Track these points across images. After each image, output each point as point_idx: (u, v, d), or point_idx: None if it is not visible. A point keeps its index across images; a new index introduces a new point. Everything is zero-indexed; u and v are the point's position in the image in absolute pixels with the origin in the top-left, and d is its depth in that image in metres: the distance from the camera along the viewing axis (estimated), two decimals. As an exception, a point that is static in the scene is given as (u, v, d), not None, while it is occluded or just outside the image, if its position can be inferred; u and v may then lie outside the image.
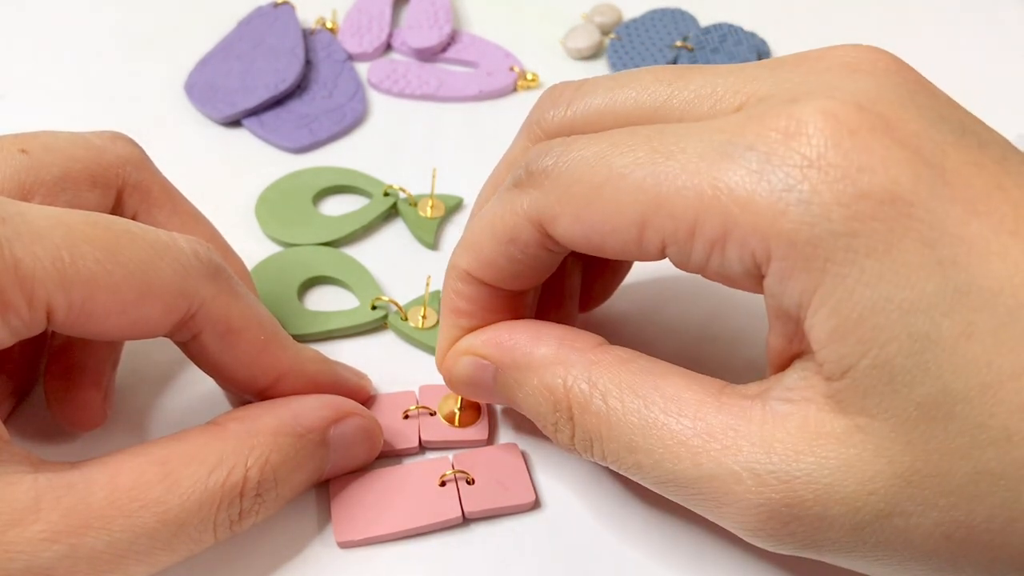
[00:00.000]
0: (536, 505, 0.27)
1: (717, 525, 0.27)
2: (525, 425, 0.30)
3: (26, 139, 0.24)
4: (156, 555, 0.21)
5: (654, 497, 0.28)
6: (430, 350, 0.31)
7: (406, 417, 0.29)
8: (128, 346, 0.29)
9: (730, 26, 0.44)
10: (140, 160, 0.27)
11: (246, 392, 0.26)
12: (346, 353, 0.31)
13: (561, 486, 0.28)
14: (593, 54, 0.44)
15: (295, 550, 0.26)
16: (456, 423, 0.29)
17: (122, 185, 0.26)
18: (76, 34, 0.43)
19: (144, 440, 0.27)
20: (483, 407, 0.29)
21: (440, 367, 0.27)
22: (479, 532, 0.27)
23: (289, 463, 0.24)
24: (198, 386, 0.29)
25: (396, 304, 0.32)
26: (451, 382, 0.27)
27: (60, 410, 0.26)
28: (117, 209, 0.26)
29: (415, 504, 0.26)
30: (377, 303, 0.32)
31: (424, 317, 0.32)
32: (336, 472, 0.26)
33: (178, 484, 0.21)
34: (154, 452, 0.22)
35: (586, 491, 0.28)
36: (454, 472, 0.27)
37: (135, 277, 0.21)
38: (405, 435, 0.28)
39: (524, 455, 0.28)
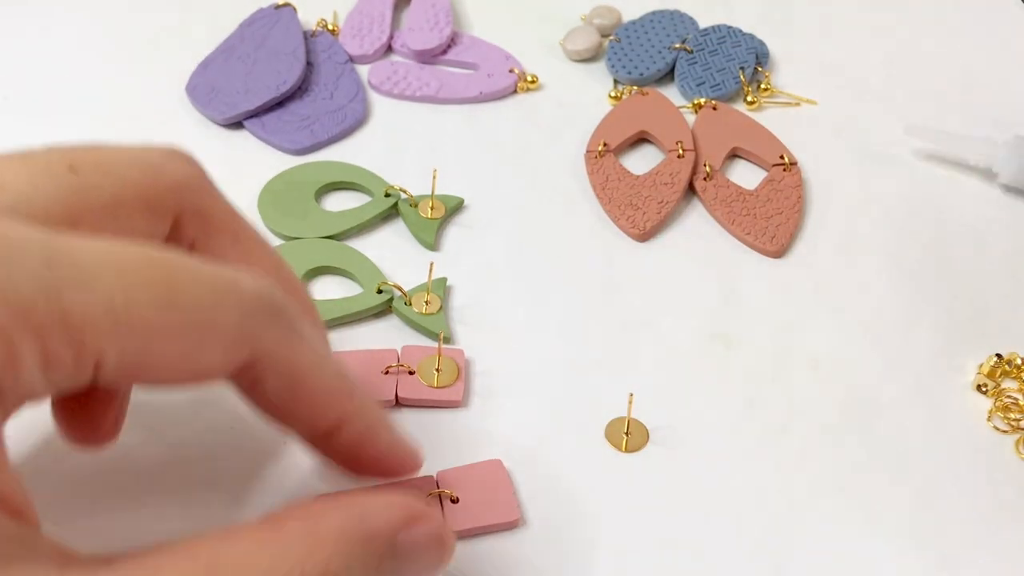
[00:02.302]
0: (520, 523, 0.27)
1: (702, 546, 0.27)
2: (510, 439, 0.30)
3: (76, 155, 0.21)
4: None
5: (638, 517, 0.28)
6: (433, 336, 0.32)
7: (386, 373, 0.30)
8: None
9: (729, 28, 0.44)
10: (200, 182, 0.24)
11: (304, 436, 0.23)
12: (351, 340, 0.31)
13: (545, 504, 0.28)
14: (593, 56, 0.44)
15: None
16: (435, 384, 0.30)
17: (180, 211, 0.23)
18: (78, 36, 0.43)
19: (156, 439, 0.26)
20: (461, 371, 0.30)
21: None
22: (463, 550, 0.27)
23: (351, 573, 0.20)
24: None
25: (400, 289, 0.32)
26: None
27: (70, 429, 0.24)
28: (173, 236, 0.24)
29: None
30: (383, 287, 0.33)
31: (427, 303, 0.32)
32: None
33: None
34: (201, 555, 0.19)
35: (570, 509, 0.28)
36: (438, 491, 0.27)
37: (194, 324, 0.19)
38: (383, 390, 0.30)
39: (509, 472, 0.28)
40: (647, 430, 0.30)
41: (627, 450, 0.29)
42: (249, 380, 0.21)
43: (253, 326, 0.20)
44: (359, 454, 0.24)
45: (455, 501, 0.27)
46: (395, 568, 0.21)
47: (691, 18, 0.45)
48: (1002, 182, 0.39)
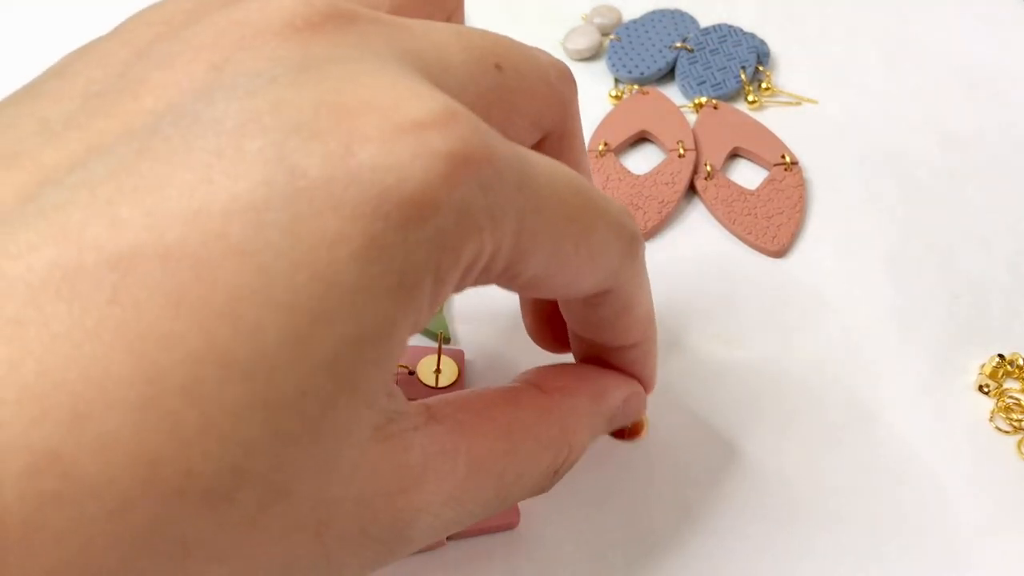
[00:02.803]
0: (519, 524, 0.27)
1: (696, 548, 0.27)
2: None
3: (501, 51, 0.20)
4: (462, 525, 0.19)
5: (632, 518, 0.28)
6: (432, 336, 0.32)
7: None
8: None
9: (729, 27, 0.44)
10: (576, 109, 0.23)
11: (590, 349, 0.25)
12: None
13: (540, 505, 0.28)
14: (593, 55, 0.44)
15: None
16: (434, 384, 0.30)
17: (551, 130, 0.22)
18: (76, 34, 0.43)
19: None
20: (461, 372, 0.30)
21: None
22: (458, 551, 0.27)
23: (589, 438, 0.23)
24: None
25: None
26: None
27: None
28: (535, 148, 0.23)
29: None
30: None
31: None
32: None
33: (515, 462, 0.20)
34: (498, 418, 0.20)
35: (570, 509, 0.28)
36: None
37: (588, 255, 0.19)
38: None
39: None
40: (647, 430, 0.30)
41: (628, 437, 0.29)
42: (589, 305, 0.22)
43: (623, 266, 0.21)
44: (630, 370, 0.25)
45: None
46: (607, 429, 0.24)
47: (692, 17, 0.45)
48: None
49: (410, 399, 0.29)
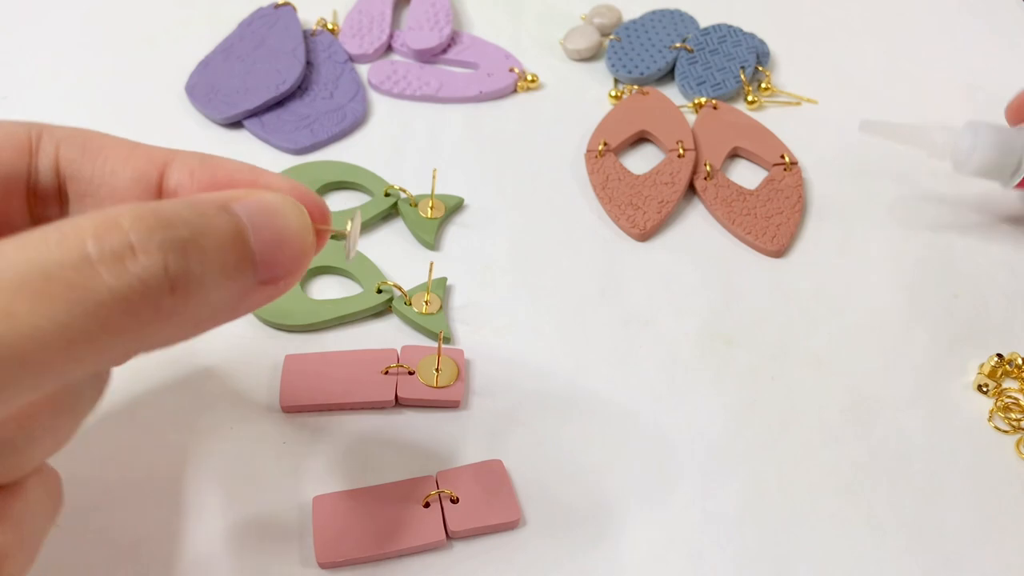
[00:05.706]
0: (520, 523, 0.27)
1: (699, 544, 0.27)
2: (510, 439, 0.30)
3: None
4: None
5: (639, 517, 0.28)
6: (433, 336, 0.32)
7: (386, 373, 0.30)
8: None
9: (729, 27, 0.44)
10: None
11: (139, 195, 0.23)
12: (351, 340, 0.31)
13: (544, 503, 0.28)
14: (593, 55, 0.44)
15: (276, 571, 0.26)
16: (435, 384, 0.30)
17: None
18: (77, 35, 0.43)
19: (157, 441, 0.26)
20: (461, 371, 0.30)
21: None
22: (462, 550, 0.27)
23: None
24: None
25: (400, 289, 0.32)
26: None
27: None
28: None
29: (398, 526, 0.27)
30: (382, 287, 0.32)
31: (427, 303, 0.32)
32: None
33: None
34: None
35: (570, 509, 0.28)
36: (438, 492, 0.27)
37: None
38: (383, 390, 0.30)
39: (508, 472, 0.28)
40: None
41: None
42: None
43: None
44: None
45: (455, 501, 0.27)
46: None
47: (691, 17, 0.45)
48: (965, 172, 0.36)
49: (411, 398, 0.30)
